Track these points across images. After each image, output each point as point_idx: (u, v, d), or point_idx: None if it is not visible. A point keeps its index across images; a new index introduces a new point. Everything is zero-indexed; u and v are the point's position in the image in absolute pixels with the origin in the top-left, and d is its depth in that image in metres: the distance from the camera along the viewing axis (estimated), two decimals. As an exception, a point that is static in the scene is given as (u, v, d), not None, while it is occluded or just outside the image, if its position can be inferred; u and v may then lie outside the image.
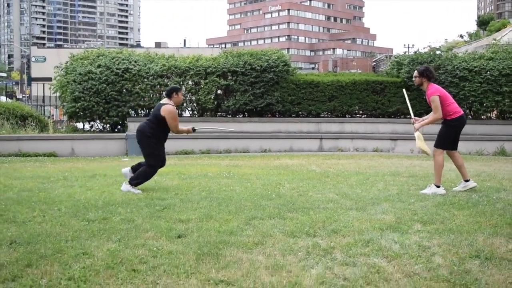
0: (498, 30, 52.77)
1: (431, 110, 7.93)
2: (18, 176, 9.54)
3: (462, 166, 7.93)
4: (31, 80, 43.28)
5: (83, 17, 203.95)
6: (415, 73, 7.95)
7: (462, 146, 15.28)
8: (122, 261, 4.36)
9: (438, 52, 20.16)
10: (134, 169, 8.15)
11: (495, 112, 18.04)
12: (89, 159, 13.98)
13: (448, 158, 8.07)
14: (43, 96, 24.28)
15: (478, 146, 16.35)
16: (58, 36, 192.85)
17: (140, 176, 7.92)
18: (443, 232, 5.27)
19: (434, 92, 7.69)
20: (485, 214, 6.09)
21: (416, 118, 8.37)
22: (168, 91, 8.10)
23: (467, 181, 7.87)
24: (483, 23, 75.98)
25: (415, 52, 19.03)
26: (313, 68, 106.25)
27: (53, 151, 15.36)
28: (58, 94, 17.97)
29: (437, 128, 8.14)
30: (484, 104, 17.34)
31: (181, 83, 17.19)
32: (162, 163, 8.12)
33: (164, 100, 8.04)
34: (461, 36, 69.19)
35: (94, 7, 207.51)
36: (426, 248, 4.75)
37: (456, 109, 7.78)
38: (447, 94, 7.87)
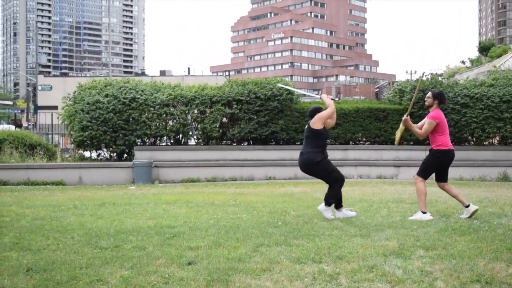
0: (499, 56, 53.19)
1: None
2: (29, 205, 9.74)
3: (459, 195, 8.08)
4: (37, 108, 43.72)
5: (88, 45, 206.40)
6: (429, 94, 8.16)
7: (465, 172, 15.69)
8: (136, 288, 4.54)
9: (440, 79, 20.40)
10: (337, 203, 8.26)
11: (497, 138, 18.19)
12: (97, 188, 14.18)
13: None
14: (51, 125, 24.58)
15: (481, 172, 16.51)
16: (63, 65, 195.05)
17: (330, 196, 8.08)
18: (445, 258, 5.43)
19: (435, 118, 7.92)
20: (486, 240, 6.25)
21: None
22: (311, 112, 8.26)
23: (467, 206, 7.97)
24: (484, 49, 76.57)
25: (417, 79, 19.28)
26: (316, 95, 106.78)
27: (61, 179, 15.60)
28: (66, 123, 18.24)
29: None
30: (486, 131, 17.50)
31: (186, 111, 17.43)
32: (342, 175, 8.25)
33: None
34: (463, 62, 69.67)
35: (99, 36, 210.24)
36: (428, 273, 4.92)
37: (446, 142, 7.96)
38: (446, 124, 8.08)
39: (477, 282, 4.65)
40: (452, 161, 8.09)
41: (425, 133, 8.03)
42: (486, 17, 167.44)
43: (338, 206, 8.22)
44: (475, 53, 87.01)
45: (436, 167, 8.07)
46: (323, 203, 8.08)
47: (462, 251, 5.72)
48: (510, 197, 10.94)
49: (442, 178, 8.13)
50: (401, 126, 8.40)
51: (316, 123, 8.05)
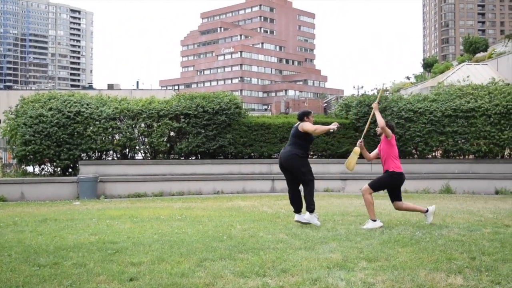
0: (442, 72, 54.85)
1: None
2: (-35, 222, 9.36)
3: (415, 206, 8.74)
4: (-22, 122, 42.30)
5: (34, 58, 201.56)
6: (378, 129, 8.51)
7: (409, 184, 15.97)
8: (74, 306, 4.40)
9: (385, 94, 20.86)
10: (297, 207, 8.41)
11: (439, 151, 18.69)
12: (40, 203, 13.78)
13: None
14: (-8, 139, 23.82)
15: (425, 184, 16.91)
16: (7, 77, 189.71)
17: (310, 198, 8.26)
18: (387, 269, 5.49)
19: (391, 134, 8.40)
20: (427, 251, 6.37)
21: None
22: (300, 115, 8.49)
23: (426, 211, 8.60)
24: (428, 65, 78.74)
25: (362, 95, 19.65)
26: (265, 109, 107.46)
27: (1, 195, 15.10)
28: (7, 138, 17.68)
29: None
30: (429, 144, 17.95)
31: (133, 125, 17.21)
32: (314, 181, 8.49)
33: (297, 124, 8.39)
34: (408, 78, 71.43)
35: (46, 48, 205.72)
36: (370, 285, 4.96)
37: (399, 166, 8.45)
38: (397, 150, 8.59)
39: (417, 292, 4.72)
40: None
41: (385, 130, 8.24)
42: (430, 34, 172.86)
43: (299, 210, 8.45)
44: (419, 69, 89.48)
45: (389, 186, 8.53)
46: (307, 213, 8.25)
47: (403, 262, 5.80)
48: (452, 208, 11.23)
49: (397, 197, 8.59)
50: (355, 149, 8.64)
51: (304, 127, 8.26)
